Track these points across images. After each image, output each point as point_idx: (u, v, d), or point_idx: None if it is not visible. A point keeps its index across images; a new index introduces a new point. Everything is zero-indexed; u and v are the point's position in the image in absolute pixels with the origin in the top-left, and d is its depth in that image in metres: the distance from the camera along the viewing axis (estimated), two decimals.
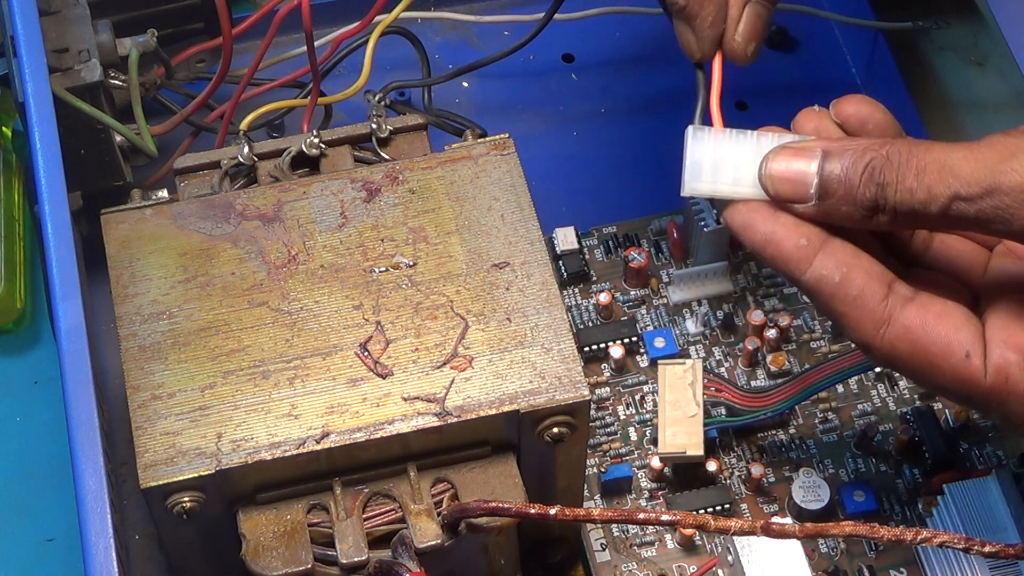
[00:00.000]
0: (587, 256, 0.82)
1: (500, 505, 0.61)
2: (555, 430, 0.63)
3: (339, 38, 0.79)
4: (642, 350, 0.79)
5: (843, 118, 0.61)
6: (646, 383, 0.78)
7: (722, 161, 0.60)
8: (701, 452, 0.73)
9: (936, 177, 0.55)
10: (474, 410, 0.62)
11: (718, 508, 0.74)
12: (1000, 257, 0.62)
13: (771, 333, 0.78)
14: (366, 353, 0.64)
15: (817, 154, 0.58)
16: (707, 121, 0.63)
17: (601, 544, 0.74)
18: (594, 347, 0.78)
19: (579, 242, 0.81)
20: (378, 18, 0.76)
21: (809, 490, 0.74)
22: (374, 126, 0.71)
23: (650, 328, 0.80)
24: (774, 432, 0.77)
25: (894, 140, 0.57)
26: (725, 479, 0.75)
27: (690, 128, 0.61)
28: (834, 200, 0.57)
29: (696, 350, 0.79)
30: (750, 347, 0.78)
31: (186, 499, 0.61)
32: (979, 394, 0.57)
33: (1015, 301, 0.58)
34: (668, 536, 0.74)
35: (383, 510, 0.63)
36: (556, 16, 0.81)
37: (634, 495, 0.75)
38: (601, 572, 0.73)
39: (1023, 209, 0.55)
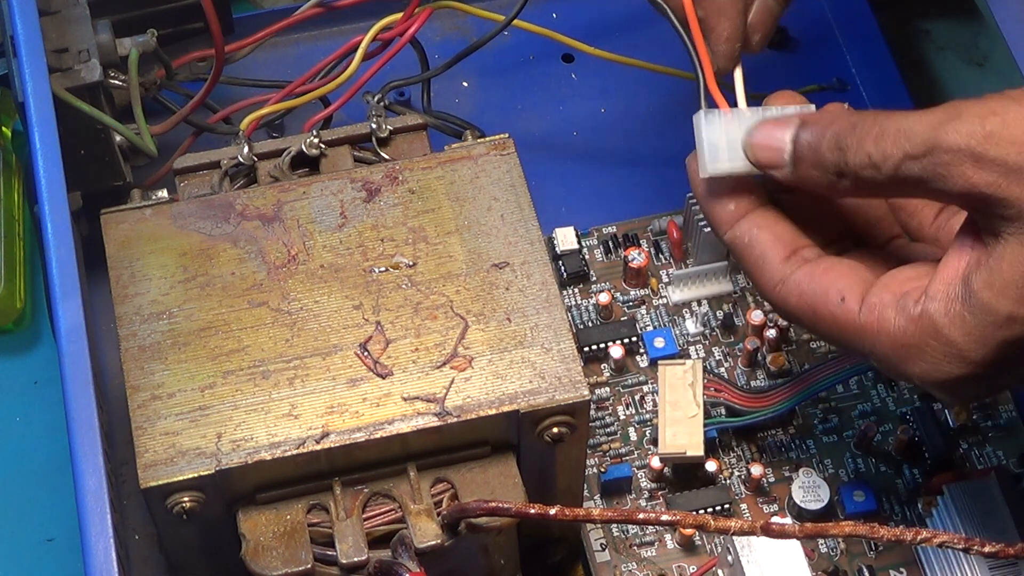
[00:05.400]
0: (587, 256, 0.82)
1: (500, 505, 0.61)
2: (555, 430, 0.63)
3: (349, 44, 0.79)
4: (642, 350, 0.79)
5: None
6: (646, 383, 0.78)
7: (736, 139, 0.63)
8: (701, 452, 0.73)
9: (891, 140, 0.57)
10: (474, 410, 0.62)
11: (718, 508, 0.74)
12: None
13: (771, 333, 0.78)
14: (366, 353, 0.64)
15: (794, 123, 0.61)
16: (711, 103, 0.64)
17: (601, 544, 0.74)
18: (594, 347, 0.78)
19: (579, 242, 0.81)
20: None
21: (809, 490, 0.74)
22: (374, 126, 0.71)
23: (650, 328, 0.80)
24: (774, 432, 0.77)
25: (866, 111, 0.59)
26: (725, 479, 0.75)
27: (700, 113, 0.63)
28: (804, 166, 0.60)
29: (696, 350, 0.79)
30: (750, 347, 0.78)
31: (186, 499, 0.61)
32: (853, 334, 0.60)
33: (917, 262, 0.61)
34: (668, 536, 0.74)
35: (383, 510, 0.63)
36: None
37: (634, 495, 0.75)
38: (601, 572, 0.73)
39: (958, 168, 0.56)
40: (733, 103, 0.64)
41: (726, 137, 0.63)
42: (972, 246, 0.58)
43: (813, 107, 0.63)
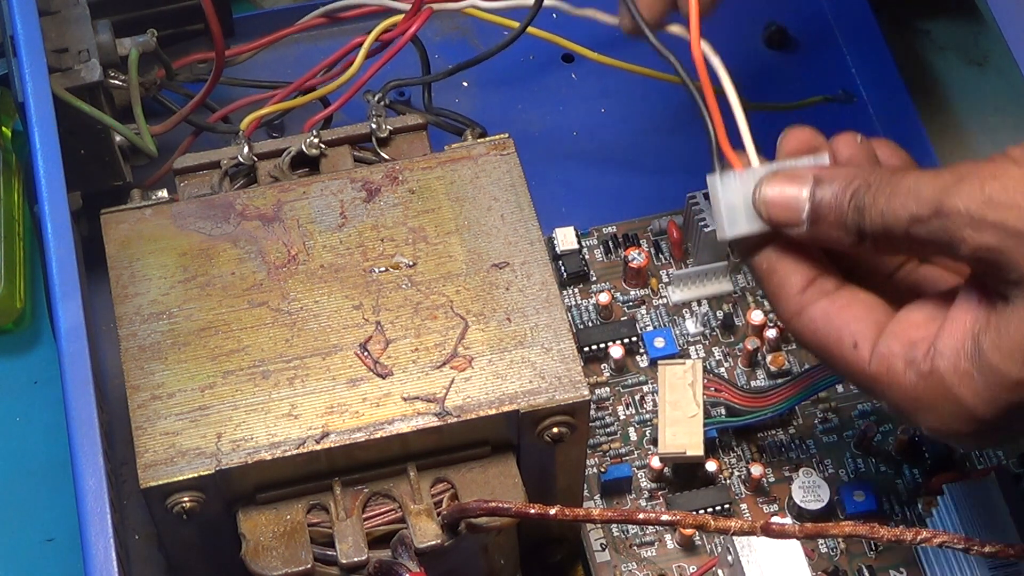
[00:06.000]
0: (587, 256, 0.82)
1: (500, 505, 0.61)
2: (555, 430, 0.63)
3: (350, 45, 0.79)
4: (642, 350, 0.79)
5: (788, 152, 0.63)
6: (646, 383, 0.78)
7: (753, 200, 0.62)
8: (701, 452, 0.73)
9: (901, 200, 0.58)
10: (474, 410, 0.62)
11: (718, 508, 0.74)
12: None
13: (771, 333, 0.78)
14: (366, 353, 0.64)
15: (809, 180, 0.60)
16: (723, 160, 0.63)
17: (601, 544, 0.74)
18: (594, 347, 0.78)
19: (579, 242, 0.81)
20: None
21: (809, 490, 0.74)
22: (374, 126, 0.71)
23: (650, 328, 0.80)
24: (774, 432, 0.77)
25: (881, 168, 0.60)
26: (725, 479, 0.75)
27: (716, 177, 0.62)
28: (825, 226, 0.60)
29: (696, 350, 0.79)
30: (750, 347, 0.78)
31: (186, 499, 0.61)
32: (865, 380, 0.61)
33: (924, 299, 0.61)
34: (668, 536, 0.74)
35: (383, 510, 0.63)
36: (556, 17, 0.81)
37: (634, 495, 0.75)
38: (601, 572, 0.73)
39: (960, 232, 0.56)
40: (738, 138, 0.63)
41: (743, 198, 0.62)
42: (979, 301, 0.58)
43: (827, 156, 0.62)
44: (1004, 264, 0.56)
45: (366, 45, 0.76)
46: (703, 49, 0.63)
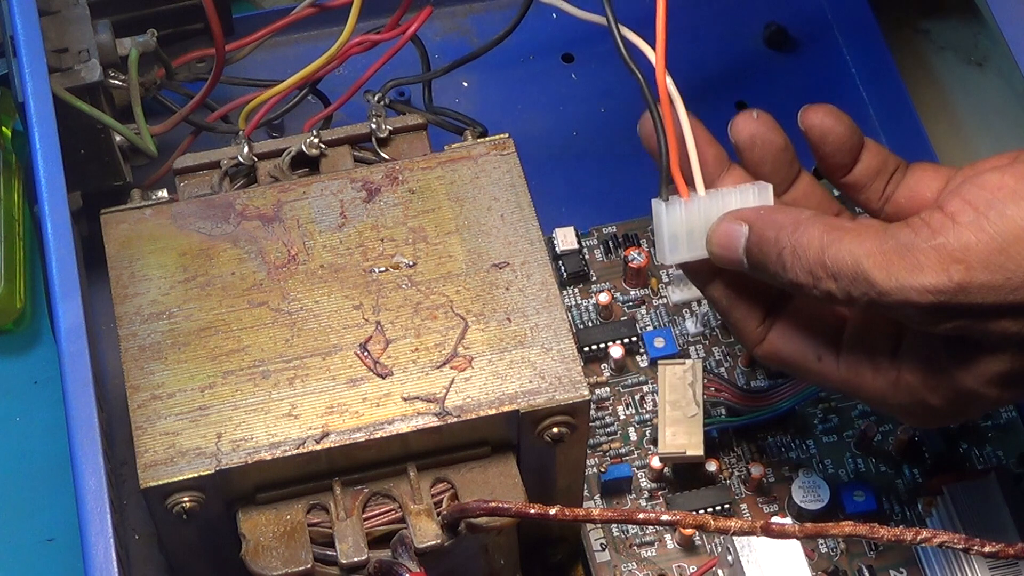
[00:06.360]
0: (587, 256, 0.82)
1: (500, 505, 0.61)
2: (555, 430, 0.63)
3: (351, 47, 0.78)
4: (642, 350, 0.79)
5: (806, 127, 0.64)
6: (646, 383, 0.78)
7: (695, 228, 0.64)
8: (701, 452, 0.73)
9: (850, 284, 0.59)
10: (474, 410, 0.62)
11: (718, 508, 0.74)
12: None
13: None
14: (366, 353, 0.64)
15: (745, 228, 0.62)
16: (670, 186, 0.63)
17: (601, 544, 0.74)
18: (594, 347, 0.78)
19: (579, 242, 0.81)
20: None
21: (809, 490, 0.74)
22: (374, 126, 0.71)
23: (650, 328, 0.80)
24: (774, 432, 0.77)
25: (806, 226, 0.60)
26: (725, 479, 0.75)
27: (659, 203, 0.63)
28: (763, 275, 0.62)
29: (696, 350, 0.79)
30: None
31: (186, 499, 0.61)
32: (837, 386, 0.64)
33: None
34: (668, 536, 0.74)
35: (383, 510, 0.63)
36: (556, 16, 0.81)
37: (634, 495, 0.75)
38: (601, 572, 0.73)
39: (926, 324, 0.58)
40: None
41: (686, 227, 0.63)
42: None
43: (770, 188, 0.63)
44: (975, 336, 0.59)
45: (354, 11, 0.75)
46: (667, 82, 0.63)
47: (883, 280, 0.58)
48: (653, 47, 0.62)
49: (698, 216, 0.63)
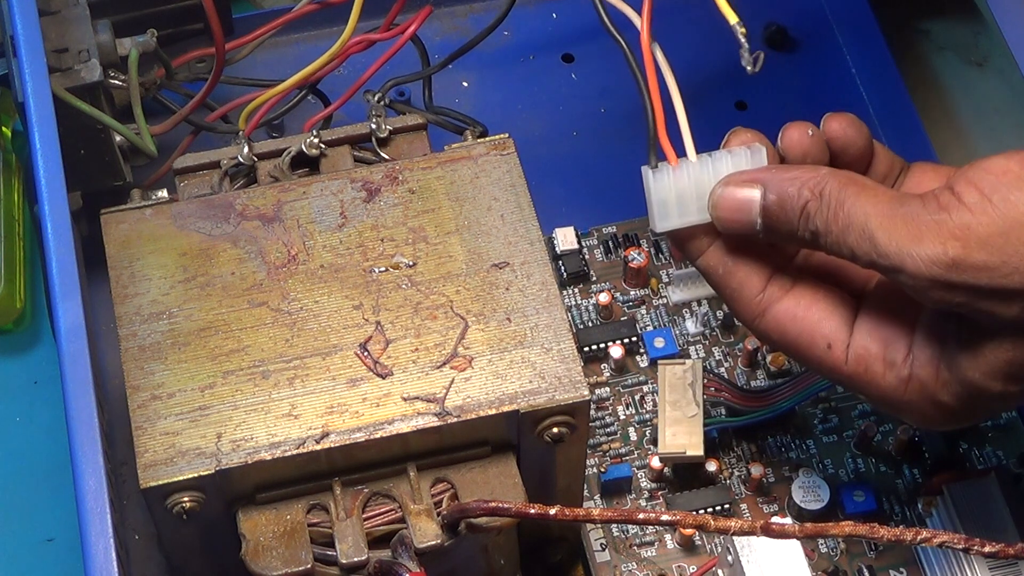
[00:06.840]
0: (587, 256, 0.82)
1: (500, 505, 0.61)
2: (555, 430, 0.63)
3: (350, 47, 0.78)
4: (642, 350, 0.79)
5: (829, 136, 0.64)
6: (646, 383, 0.78)
7: (685, 193, 0.63)
8: (701, 452, 0.73)
9: (856, 240, 0.59)
10: (474, 410, 0.62)
11: (718, 508, 0.74)
12: None
13: None
14: (366, 353, 0.64)
15: (758, 187, 0.61)
16: (660, 155, 0.63)
17: (601, 544, 0.74)
18: (594, 347, 0.78)
19: (579, 242, 0.81)
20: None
21: (809, 490, 0.74)
22: (374, 126, 0.71)
23: (650, 328, 0.80)
24: (774, 432, 0.77)
25: (827, 179, 0.60)
26: (725, 479, 0.75)
27: (647, 170, 0.63)
28: (777, 235, 0.62)
29: (696, 350, 0.79)
30: (750, 347, 0.78)
31: (186, 499, 0.61)
32: (843, 380, 0.63)
33: (890, 292, 0.62)
34: (668, 536, 0.74)
35: (383, 510, 0.63)
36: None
37: (634, 495, 0.75)
38: (601, 572, 0.73)
39: (928, 292, 0.58)
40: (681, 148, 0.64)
41: (675, 193, 0.63)
42: (949, 318, 0.60)
43: (763, 150, 0.63)
44: (973, 316, 0.58)
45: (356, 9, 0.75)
46: (652, 48, 0.63)
47: (884, 242, 0.58)
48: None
49: (688, 182, 0.63)
